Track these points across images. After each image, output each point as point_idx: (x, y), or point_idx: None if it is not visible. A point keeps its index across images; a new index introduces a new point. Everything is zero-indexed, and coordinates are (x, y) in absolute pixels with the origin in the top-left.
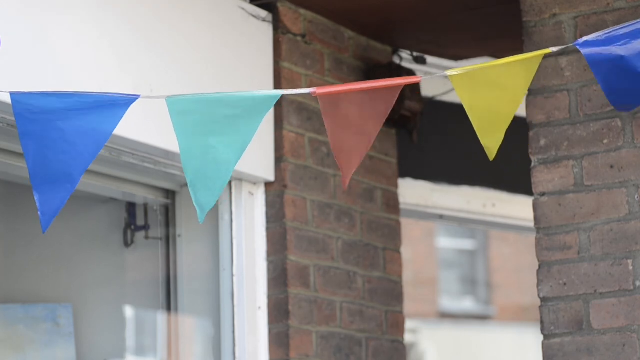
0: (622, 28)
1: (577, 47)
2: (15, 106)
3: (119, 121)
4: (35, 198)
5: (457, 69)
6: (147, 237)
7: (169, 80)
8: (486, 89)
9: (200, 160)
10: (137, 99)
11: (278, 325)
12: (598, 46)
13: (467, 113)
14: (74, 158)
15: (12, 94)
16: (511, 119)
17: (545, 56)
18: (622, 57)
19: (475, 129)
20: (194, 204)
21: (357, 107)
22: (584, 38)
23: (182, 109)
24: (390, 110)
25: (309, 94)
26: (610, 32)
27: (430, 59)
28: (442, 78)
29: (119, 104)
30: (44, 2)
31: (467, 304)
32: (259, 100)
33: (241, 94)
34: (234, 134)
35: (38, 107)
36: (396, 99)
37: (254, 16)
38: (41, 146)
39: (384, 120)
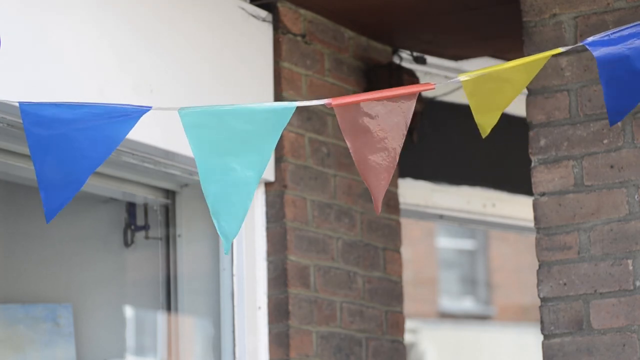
0: (627, 28)
1: (587, 46)
2: (24, 115)
3: (129, 131)
4: (41, 195)
5: (468, 72)
6: (147, 237)
7: (169, 81)
8: (491, 85)
9: (221, 185)
10: (148, 110)
11: (278, 325)
12: (606, 45)
13: (469, 101)
14: (81, 162)
15: (21, 104)
16: (509, 103)
17: None
18: (628, 57)
19: (472, 108)
20: (218, 233)
21: (375, 118)
22: (592, 38)
23: (195, 122)
24: (409, 121)
25: (312, 96)
26: (616, 31)
27: (430, 59)
28: (441, 78)
29: (130, 115)
30: (44, 2)
31: (467, 304)
32: (275, 113)
33: (256, 106)
34: (253, 153)
35: (47, 116)
36: (413, 108)
37: (254, 16)
38: (49, 153)
39: (406, 132)
